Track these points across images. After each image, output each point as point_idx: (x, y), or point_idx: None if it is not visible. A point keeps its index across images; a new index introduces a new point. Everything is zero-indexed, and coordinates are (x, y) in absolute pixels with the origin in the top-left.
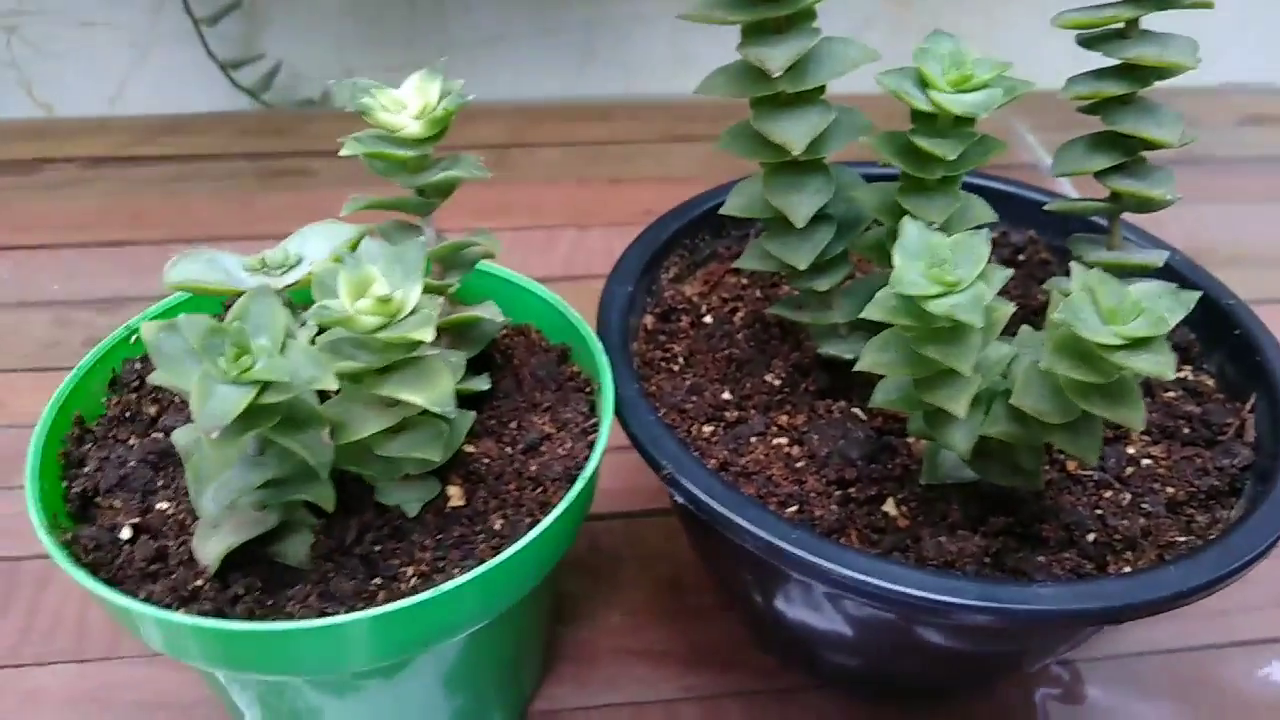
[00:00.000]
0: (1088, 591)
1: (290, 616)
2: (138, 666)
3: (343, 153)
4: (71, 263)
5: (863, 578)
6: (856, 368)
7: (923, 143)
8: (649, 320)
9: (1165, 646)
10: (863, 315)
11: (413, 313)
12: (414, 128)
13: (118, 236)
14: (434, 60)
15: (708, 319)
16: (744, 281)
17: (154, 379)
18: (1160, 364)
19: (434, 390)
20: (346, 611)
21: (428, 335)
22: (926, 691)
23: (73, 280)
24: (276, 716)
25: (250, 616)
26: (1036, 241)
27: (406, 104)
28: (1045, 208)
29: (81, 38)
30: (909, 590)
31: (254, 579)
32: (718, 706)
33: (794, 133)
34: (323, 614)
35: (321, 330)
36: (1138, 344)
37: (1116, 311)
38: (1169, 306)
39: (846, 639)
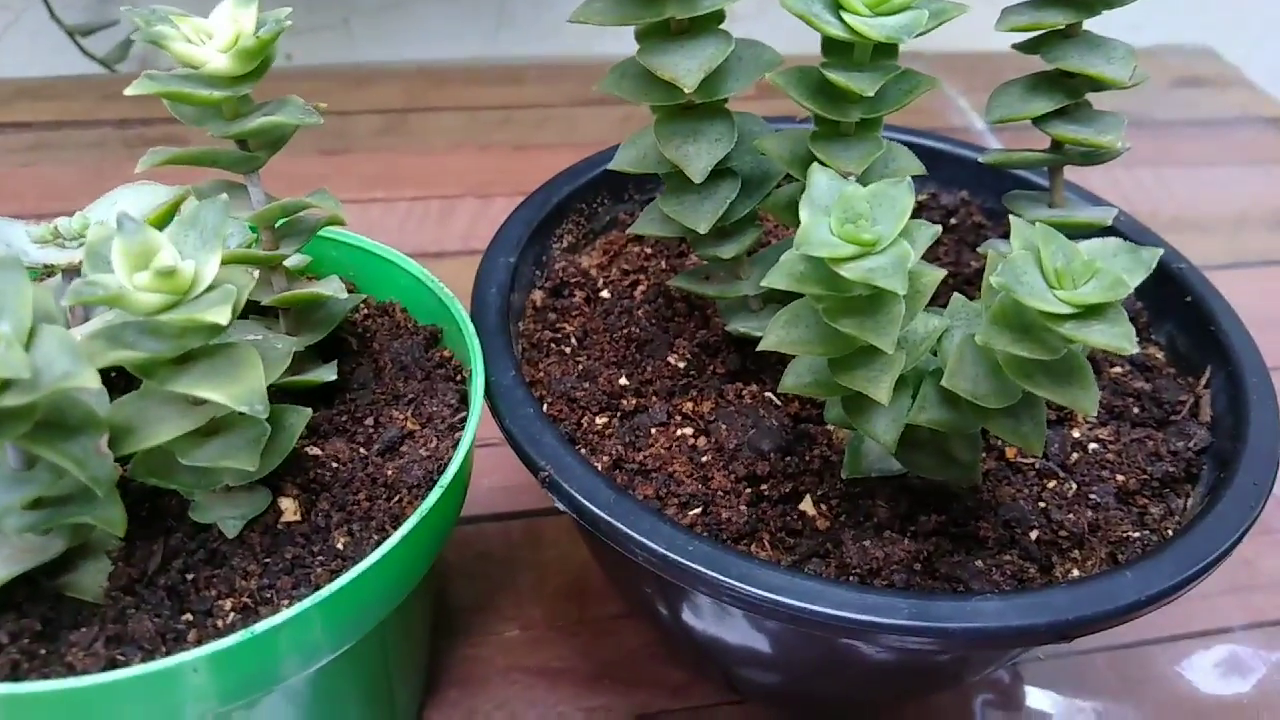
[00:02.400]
0: (1033, 604)
1: (70, 668)
2: None
3: (130, 91)
4: None
5: (772, 596)
6: (760, 347)
7: (837, 77)
8: (538, 296)
9: (1112, 642)
10: (765, 283)
11: (209, 289)
12: (220, 62)
13: None
14: (337, 26)
15: (605, 294)
16: (648, 251)
17: None
18: (1117, 336)
19: (239, 385)
20: (144, 658)
21: (221, 317)
22: (853, 706)
23: None
24: None
25: (14, 670)
26: (970, 203)
27: (213, 34)
28: (981, 159)
29: None
30: (826, 610)
31: (30, 621)
32: None
33: (684, 66)
34: (112, 663)
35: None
36: (1090, 312)
37: (1065, 273)
38: (1126, 266)
39: (763, 655)
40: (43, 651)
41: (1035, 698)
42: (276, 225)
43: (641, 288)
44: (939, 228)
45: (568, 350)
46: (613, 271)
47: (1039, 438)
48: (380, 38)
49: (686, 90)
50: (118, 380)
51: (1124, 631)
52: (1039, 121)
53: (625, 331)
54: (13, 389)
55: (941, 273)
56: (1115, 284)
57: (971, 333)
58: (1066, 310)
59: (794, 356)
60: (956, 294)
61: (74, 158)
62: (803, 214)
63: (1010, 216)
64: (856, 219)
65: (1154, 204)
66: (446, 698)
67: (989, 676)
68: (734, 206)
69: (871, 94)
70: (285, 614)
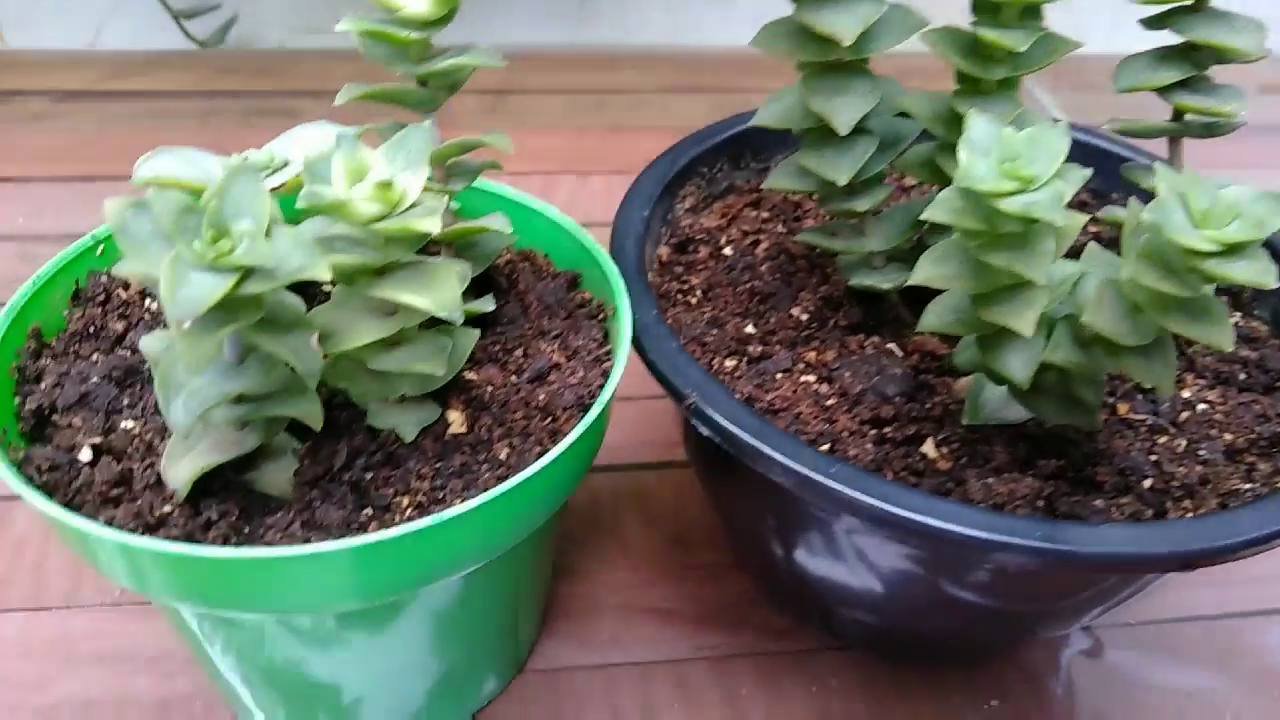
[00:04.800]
0: (1159, 534)
1: (269, 546)
2: (98, 615)
3: (340, 27)
4: (39, 196)
5: (914, 516)
6: (910, 281)
7: (988, 34)
8: (664, 251)
9: (1203, 612)
10: (924, 216)
11: (415, 205)
12: (419, 5)
13: (88, 171)
14: None
15: (727, 250)
16: (764, 215)
17: (120, 269)
18: (1260, 271)
19: (439, 292)
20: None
21: (432, 226)
22: (949, 653)
23: (39, 214)
24: (255, 672)
25: (224, 544)
26: None
27: None
28: (1105, 126)
29: None
30: (964, 530)
31: (230, 505)
32: (730, 666)
33: (843, 22)
34: (307, 543)
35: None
36: (1233, 250)
37: (1210, 214)
38: (1268, 209)
39: (872, 594)
40: (245, 530)
41: (1125, 660)
42: (448, 163)
43: (763, 245)
44: (1090, 170)
45: (693, 301)
46: (732, 232)
47: (1170, 378)
48: (463, 21)
49: (844, 43)
50: None
51: (1212, 604)
52: (1163, 92)
53: (749, 285)
54: (254, 277)
55: (1084, 217)
56: (1258, 223)
57: (1108, 276)
58: (1212, 248)
59: (929, 300)
60: (1092, 243)
61: (195, 126)
62: (961, 155)
63: (1156, 164)
64: (1015, 158)
65: None
66: (560, 629)
67: (1081, 639)
68: (870, 163)
69: (1023, 49)
70: (461, 508)
